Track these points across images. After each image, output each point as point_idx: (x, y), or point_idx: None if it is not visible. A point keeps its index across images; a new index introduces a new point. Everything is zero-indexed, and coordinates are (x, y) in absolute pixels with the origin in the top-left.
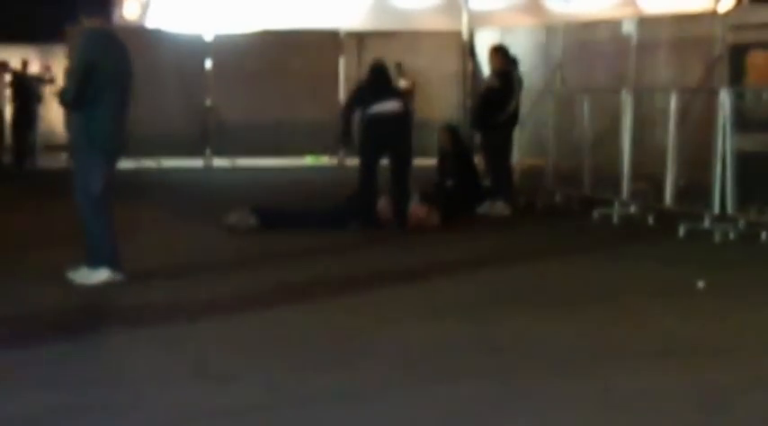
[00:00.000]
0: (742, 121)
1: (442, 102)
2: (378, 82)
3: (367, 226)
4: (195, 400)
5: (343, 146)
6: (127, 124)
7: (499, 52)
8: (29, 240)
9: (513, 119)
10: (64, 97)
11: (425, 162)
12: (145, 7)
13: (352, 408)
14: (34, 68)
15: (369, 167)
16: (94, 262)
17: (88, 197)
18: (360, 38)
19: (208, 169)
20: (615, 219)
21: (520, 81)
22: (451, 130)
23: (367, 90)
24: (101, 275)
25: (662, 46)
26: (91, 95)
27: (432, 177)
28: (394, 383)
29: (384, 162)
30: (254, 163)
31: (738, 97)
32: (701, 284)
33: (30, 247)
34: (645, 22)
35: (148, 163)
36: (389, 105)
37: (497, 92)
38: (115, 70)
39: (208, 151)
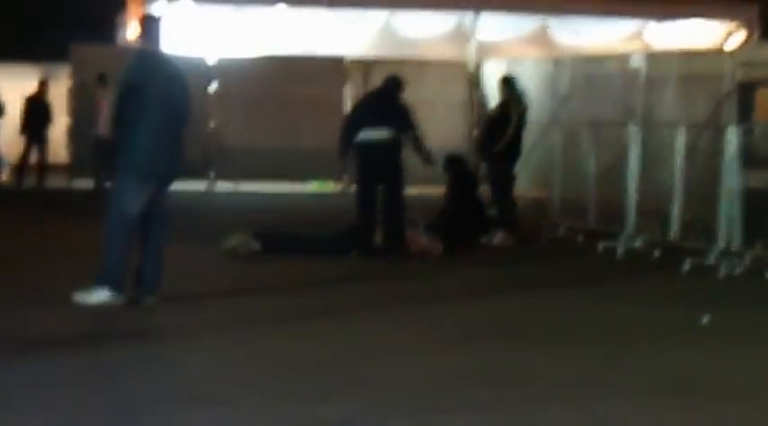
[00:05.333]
0: (749, 158)
1: (447, 132)
2: (377, 102)
3: (366, 255)
4: (193, 424)
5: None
6: (179, 152)
7: (503, 83)
8: (31, 259)
9: (514, 149)
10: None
11: (429, 190)
12: None
13: None
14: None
15: (366, 195)
16: (99, 280)
17: (118, 216)
18: (365, 65)
19: (211, 193)
20: (620, 253)
21: (522, 112)
22: (457, 160)
23: (365, 111)
24: (100, 295)
25: (670, 81)
26: (131, 116)
27: (436, 206)
28: (393, 412)
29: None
30: (257, 187)
31: (746, 134)
32: (705, 320)
33: (32, 267)
34: (654, 57)
35: None
36: (379, 133)
37: (495, 122)
38: (161, 94)
39: (211, 174)
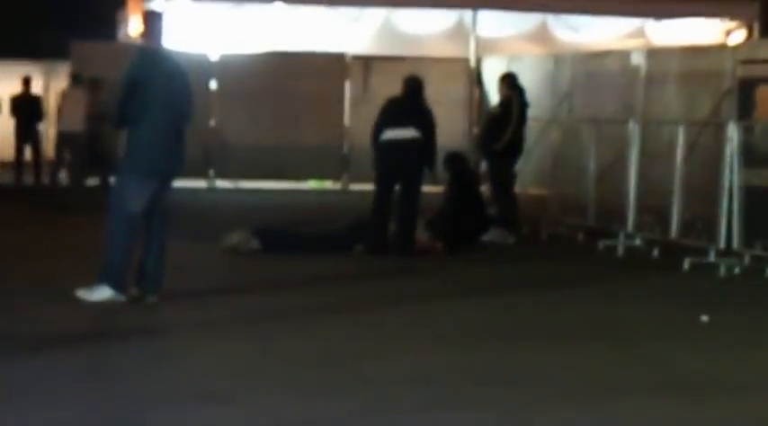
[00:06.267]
0: (750, 156)
1: (448, 129)
2: (402, 104)
3: (373, 251)
4: (195, 422)
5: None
6: (181, 149)
7: (503, 80)
8: (32, 257)
9: (515, 147)
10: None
11: (431, 188)
12: None
13: None
14: None
15: (382, 193)
16: (101, 278)
17: (121, 214)
18: (366, 62)
19: (211, 190)
20: (620, 251)
21: (523, 110)
22: (459, 158)
23: (390, 111)
24: (102, 293)
25: (671, 78)
26: (133, 114)
27: (437, 204)
28: (394, 410)
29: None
30: (257, 185)
31: (746, 131)
32: (704, 319)
33: (33, 264)
34: (654, 54)
35: None
36: (403, 132)
37: (497, 119)
38: (163, 91)
39: (211, 172)
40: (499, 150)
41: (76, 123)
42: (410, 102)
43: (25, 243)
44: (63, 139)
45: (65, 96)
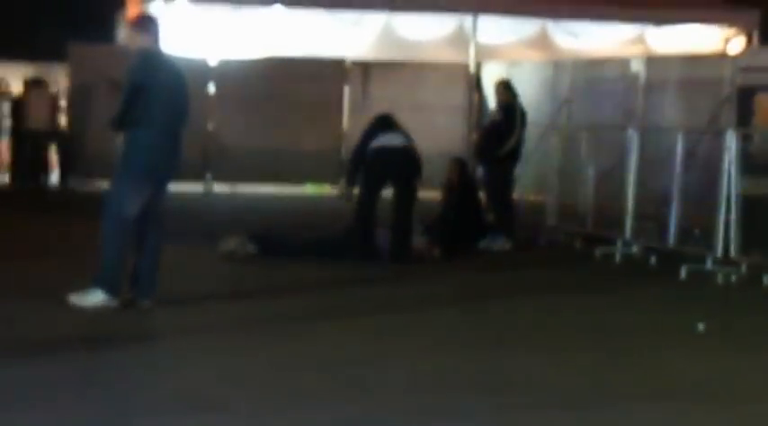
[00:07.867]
0: (749, 164)
1: (446, 135)
2: (383, 124)
3: (363, 258)
4: None
5: (347, 185)
6: (178, 152)
7: (503, 85)
8: (28, 259)
9: (515, 153)
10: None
11: (429, 194)
12: None
13: None
14: None
15: (367, 198)
16: (94, 282)
17: (117, 217)
18: (365, 67)
19: (208, 194)
20: (617, 258)
21: (523, 115)
22: (461, 163)
23: (374, 129)
24: (96, 297)
25: (670, 85)
26: (134, 117)
27: (435, 209)
28: (392, 416)
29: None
30: (254, 189)
31: (744, 139)
32: (701, 327)
33: (27, 267)
34: (654, 61)
35: None
36: (394, 139)
37: (499, 125)
38: (164, 94)
39: (208, 176)
40: (501, 156)
41: (46, 122)
42: (390, 123)
43: (22, 244)
44: (31, 137)
45: (31, 96)
